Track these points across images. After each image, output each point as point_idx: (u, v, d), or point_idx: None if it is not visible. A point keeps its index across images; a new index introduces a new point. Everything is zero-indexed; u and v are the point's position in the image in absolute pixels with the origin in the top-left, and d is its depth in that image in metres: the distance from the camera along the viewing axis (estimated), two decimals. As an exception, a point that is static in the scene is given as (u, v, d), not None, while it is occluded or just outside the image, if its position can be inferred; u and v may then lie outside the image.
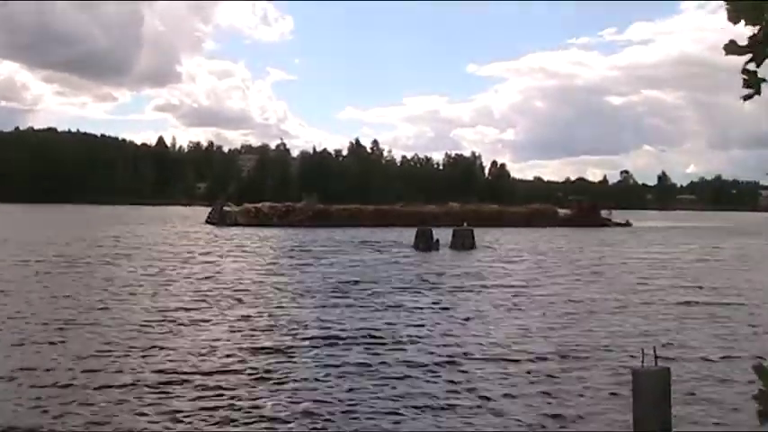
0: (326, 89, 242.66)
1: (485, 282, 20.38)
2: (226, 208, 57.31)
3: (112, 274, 20.61)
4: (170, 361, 10.00)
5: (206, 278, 20.13)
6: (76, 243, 32.16)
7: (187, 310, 14.44)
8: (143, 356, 10.22)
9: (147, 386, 8.65)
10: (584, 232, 52.02)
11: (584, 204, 66.09)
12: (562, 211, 65.41)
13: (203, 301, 15.70)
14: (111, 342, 11.11)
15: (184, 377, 9.14)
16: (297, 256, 28.06)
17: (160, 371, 9.42)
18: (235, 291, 17.46)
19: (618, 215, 66.88)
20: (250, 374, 9.44)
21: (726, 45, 1.91)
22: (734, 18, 1.88)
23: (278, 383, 9.01)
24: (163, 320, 13.14)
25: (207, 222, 55.72)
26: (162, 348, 10.75)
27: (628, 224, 64.18)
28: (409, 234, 34.58)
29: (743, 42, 1.89)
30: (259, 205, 56.94)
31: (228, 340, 11.61)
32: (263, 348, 10.99)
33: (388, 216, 59.08)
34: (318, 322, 13.37)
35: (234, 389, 8.69)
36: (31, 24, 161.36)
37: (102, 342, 11.11)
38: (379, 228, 51.76)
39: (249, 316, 13.91)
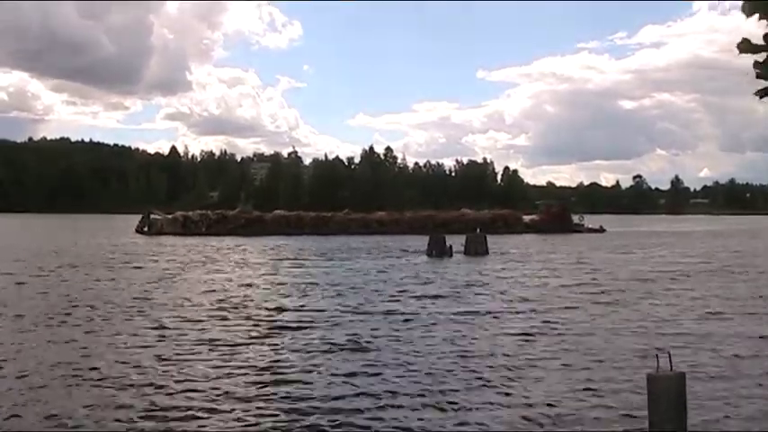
0: (337, 96, 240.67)
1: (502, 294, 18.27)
2: (153, 216, 53.97)
3: None
4: None
5: None
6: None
7: None
8: None
9: None
10: (541, 239, 47.11)
11: (554, 209, 60.52)
12: (528, 218, 60.42)
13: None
14: None
15: None
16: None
17: None
18: None
19: (591, 220, 61.28)
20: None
21: (739, 44, 1.93)
22: (749, 12, 1.86)
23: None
24: None
25: (136, 231, 52.95)
26: None
27: (601, 230, 58.56)
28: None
29: (756, 41, 1.92)
30: (189, 213, 53.95)
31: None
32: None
33: (330, 223, 55.34)
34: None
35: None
36: (38, 31, 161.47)
37: None
38: (321, 236, 48.15)
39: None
